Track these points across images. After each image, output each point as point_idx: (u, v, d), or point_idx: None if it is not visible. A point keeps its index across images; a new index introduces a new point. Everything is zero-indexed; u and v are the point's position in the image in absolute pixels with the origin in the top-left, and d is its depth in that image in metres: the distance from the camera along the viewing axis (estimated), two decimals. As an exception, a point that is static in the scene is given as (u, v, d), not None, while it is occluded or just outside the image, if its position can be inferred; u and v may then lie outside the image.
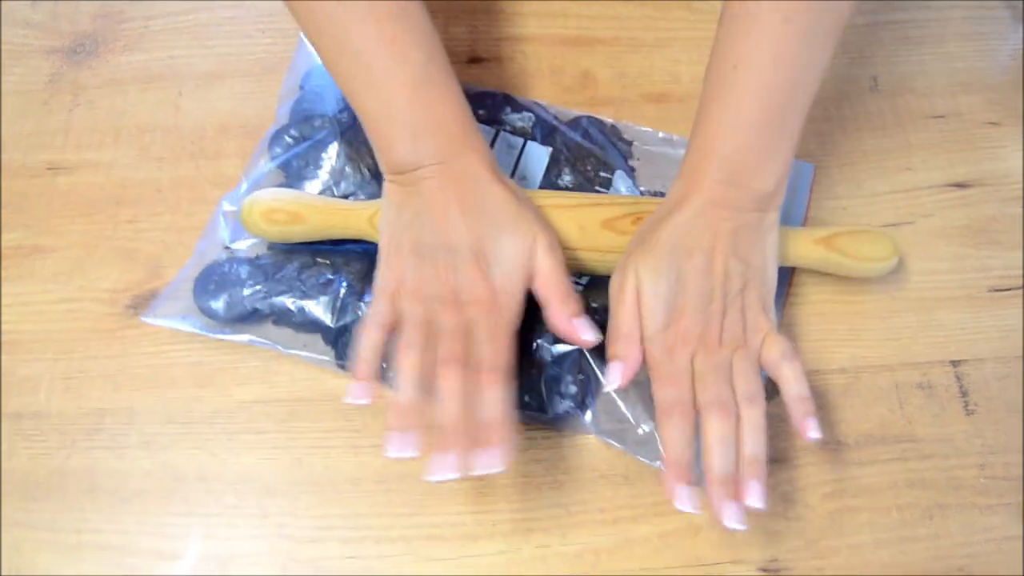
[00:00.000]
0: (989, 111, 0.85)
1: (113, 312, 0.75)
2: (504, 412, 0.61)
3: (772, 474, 0.69)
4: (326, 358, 0.72)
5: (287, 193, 0.74)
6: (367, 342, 0.64)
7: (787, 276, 0.76)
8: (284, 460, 0.70)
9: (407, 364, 0.62)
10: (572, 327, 0.65)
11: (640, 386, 0.70)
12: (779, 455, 0.70)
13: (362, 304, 0.71)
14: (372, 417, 0.71)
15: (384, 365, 0.69)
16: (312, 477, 0.69)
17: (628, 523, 0.68)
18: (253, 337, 0.73)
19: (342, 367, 0.72)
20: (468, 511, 0.68)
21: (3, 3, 0.91)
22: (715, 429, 0.61)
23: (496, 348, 0.63)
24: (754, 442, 0.61)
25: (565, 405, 0.69)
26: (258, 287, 0.73)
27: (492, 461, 0.59)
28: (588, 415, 0.70)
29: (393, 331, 0.65)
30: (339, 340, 0.72)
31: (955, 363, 0.73)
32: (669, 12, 0.91)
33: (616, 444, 0.69)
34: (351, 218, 0.72)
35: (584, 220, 0.71)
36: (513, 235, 0.65)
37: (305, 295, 0.72)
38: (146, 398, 0.72)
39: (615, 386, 0.64)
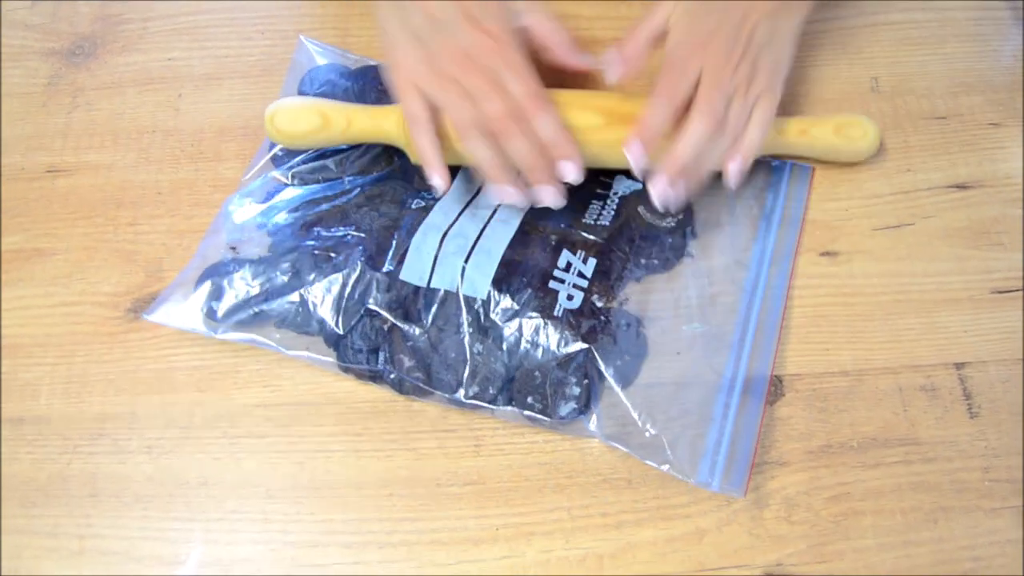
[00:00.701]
0: (990, 112, 0.85)
1: (114, 316, 0.75)
2: (560, 131, 0.70)
3: (776, 477, 0.69)
4: (329, 359, 0.72)
5: (310, 99, 0.77)
6: (423, 138, 0.72)
7: (788, 267, 0.76)
8: (286, 465, 0.70)
9: (478, 146, 0.70)
10: (569, 54, 0.75)
11: (644, 389, 0.70)
12: (783, 458, 0.70)
13: (364, 307, 0.71)
14: (374, 421, 0.71)
15: (382, 367, 0.70)
16: (314, 482, 0.69)
17: (632, 527, 0.67)
18: (255, 337, 0.72)
19: (345, 369, 0.71)
20: (471, 515, 0.68)
21: (1, 4, 0.91)
22: (692, 124, 0.70)
23: (522, 78, 0.70)
24: (753, 132, 0.73)
25: (568, 408, 0.69)
26: (260, 288, 0.72)
27: (572, 169, 0.71)
28: (592, 419, 0.69)
29: (431, 113, 0.72)
30: (341, 342, 0.71)
31: (958, 365, 0.73)
32: (669, 13, 0.90)
33: (621, 447, 0.68)
34: (378, 118, 0.76)
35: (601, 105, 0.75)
36: None
37: (307, 296, 0.72)
38: (148, 403, 0.72)
39: (610, 68, 0.74)
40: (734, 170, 0.73)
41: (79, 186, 0.81)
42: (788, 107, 0.85)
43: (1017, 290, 0.76)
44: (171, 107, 0.85)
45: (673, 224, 0.77)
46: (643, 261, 0.76)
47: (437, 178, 0.72)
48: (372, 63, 0.86)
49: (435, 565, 0.66)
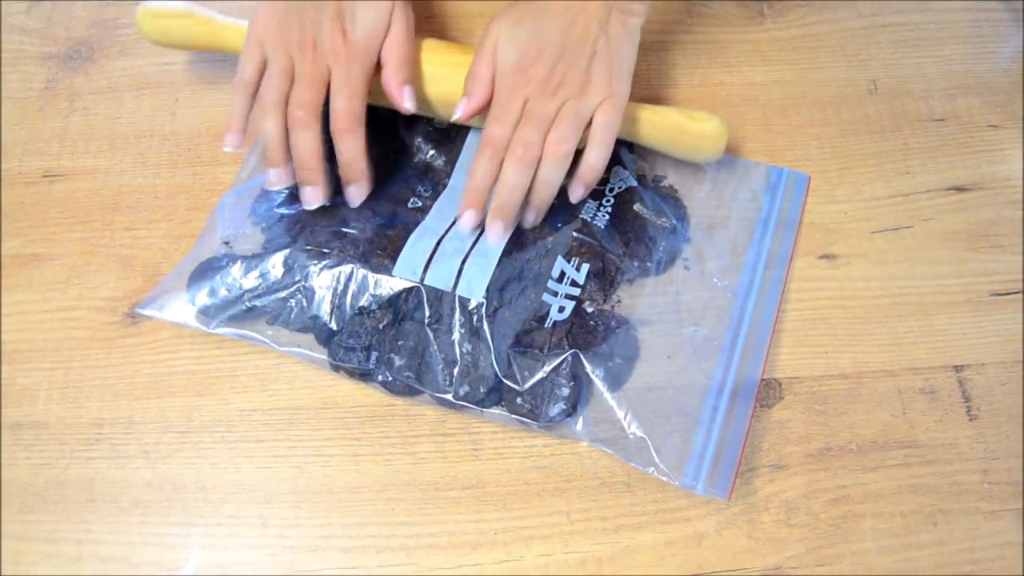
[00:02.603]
0: (988, 114, 0.85)
1: (112, 321, 0.75)
2: (359, 156, 0.72)
3: (775, 481, 0.69)
4: (320, 357, 0.72)
5: (181, 4, 0.81)
6: (237, 96, 0.73)
7: (783, 272, 0.76)
8: (284, 469, 0.69)
9: (267, 118, 0.72)
10: (399, 91, 0.73)
11: (634, 392, 0.70)
12: (782, 461, 0.69)
13: (356, 306, 0.71)
14: (372, 425, 0.71)
15: (373, 366, 0.70)
16: (312, 486, 0.69)
17: (630, 531, 0.67)
18: (247, 333, 0.72)
19: (335, 368, 0.71)
20: (469, 520, 0.68)
21: (-2, 9, 0.91)
22: (511, 164, 0.70)
23: (350, 99, 0.72)
24: (547, 169, 0.71)
25: (557, 409, 0.69)
26: (253, 284, 0.72)
27: (359, 194, 0.74)
28: (579, 421, 0.69)
29: (261, 77, 0.73)
30: (333, 340, 0.71)
31: (957, 368, 0.73)
32: (666, 16, 0.90)
33: (607, 449, 0.68)
34: (229, 31, 0.80)
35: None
36: (374, 1, 0.73)
37: (300, 293, 0.72)
38: (145, 407, 0.71)
39: (456, 117, 0.73)
40: (578, 194, 0.74)
41: (76, 191, 0.81)
42: (787, 109, 0.85)
43: (1016, 292, 0.76)
44: (168, 111, 0.85)
45: (669, 225, 0.77)
46: (636, 263, 0.75)
47: (229, 137, 0.73)
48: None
49: (433, 569, 0.66)
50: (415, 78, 0.76)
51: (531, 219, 0.74)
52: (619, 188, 0.78)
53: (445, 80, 0.76)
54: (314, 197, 0.73)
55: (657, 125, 0.77)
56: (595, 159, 0.72)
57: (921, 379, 0.73)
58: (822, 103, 0.86)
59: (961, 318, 0.75)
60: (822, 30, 0.90)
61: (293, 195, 0.76)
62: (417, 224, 0.74)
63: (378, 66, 0.74)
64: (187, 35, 0.80)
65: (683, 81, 0.87)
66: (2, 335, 0.74)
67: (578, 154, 0.72)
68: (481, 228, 0.73)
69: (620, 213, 0.77)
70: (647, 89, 0.86)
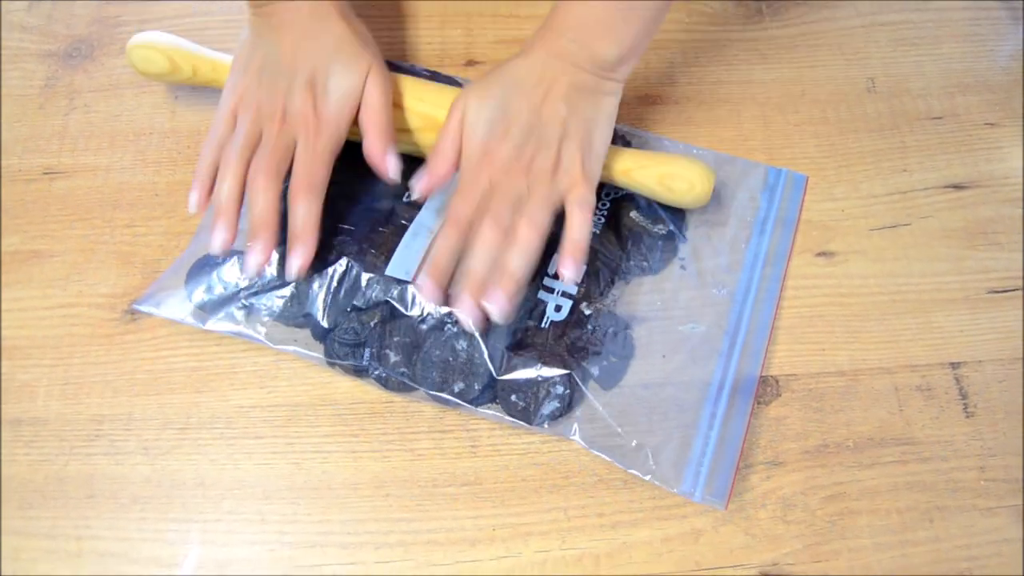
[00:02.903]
0: (987, 112, 0.85)
1: (111, 317, 0.75)
2: (310, 222, 0.69)
3: (772, 478, 0.69)
4: (316, 355, 0.72)
5: (164, 43, 0.80)
6: (204, 156, 0.72)
7: (782, 269, 0.76)
8: (282, 465, 0.70)
9: (226, 176, 0.70)
10: (382, 160, 0.72)
11: (630, 392, 0.71)
12: (779, 458, 0.70)
13: (351, 302, 0.71)
14: (370, 422, 0.71)
15: (368, 362, 0.70)
16: (311, 482, 0.69)
17: (628, 527, 0.67)
18: (243, 330, 0.72)
19: (331, 364, 0.72)
20: (467, 516, 0.68)
21: (-2, 7, 0.91)
22: (480, 237, 0.67)
23: (311, 166, 0.70)
24: (516, 258, 0.67)
25: (552, 406, 0.69)
26: (250, 280, 0.72)
27: (299, 264, 0.69)
28: (575, 427, 0.69)
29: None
30: (328, 336, 0.72)
31: (954, 365, 0.73)
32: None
33: (606, 456, 0.68)
34: (219, 71, 0.80)
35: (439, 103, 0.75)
36: (347, 67, 0.72)
37: (296, 290, 0.72)
38: (145, 404, 0.72)
39: (415, 194, 0.71)
40: (569, 275, 0.68)
41: (76, 188, 0.81)
42: (785, 107, 0.85)
43: (1013, 290, 0.76)
44: (168, 109, 0.85)
45: (665, 232, 0.77)
46: (633, 263, 0.76)
47: (193, 198, 0.71)
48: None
49: (432, 565, 0.66)
50: (397, 122, 0.75)
51: (504, 310, 0.66)
52: (615, 194, 0.78)
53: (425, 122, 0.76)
54: (260, 257, 0.69)
55: (634, 188, 0.76)
56: (579, 236, 0.68)
57: (918, 376, 0.73)
58: (820, 101, 0.86)
59: (959, 315, 0.76)
60: (820, 28, 0.90)
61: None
62: (412, 219, 0.74)
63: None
64: (175, 69, 0.80)
65: (681, 79, 0.87)
66: (2, 331, 0.74)
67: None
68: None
69: (615, 220, 0.77)
70: (647, 88, 0.87)
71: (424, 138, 0.76)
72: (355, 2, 0.87)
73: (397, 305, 0.71)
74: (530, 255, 0.67)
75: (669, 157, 0.75)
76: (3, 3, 0.91)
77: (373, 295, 0.71)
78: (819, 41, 0.90)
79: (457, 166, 0.70)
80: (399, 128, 0.75)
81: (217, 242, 0.70)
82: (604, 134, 0.72)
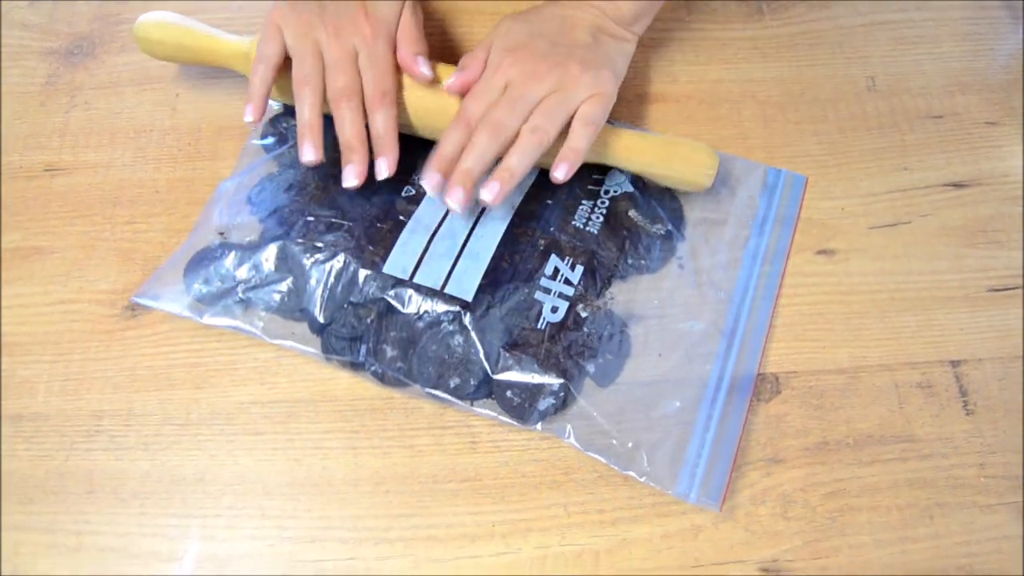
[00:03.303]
0: (986, 111, 0.85)
1: (111, 314, 0.75)
2: (391, 127, 0.73)
3: (772, 474, 0.69)
4: (312, 349, 0.72)
5: (175, 23, 0.81)
6: (258, 77, 0.74)
7: (780, 268, 0.77)
8: (282, 461, 0.70)
9: (306, 101, 0.73)
10: (413, 62, 0.75)
11: (625, 390, 0.71)
12: (779, 455, 0.70)
13: (349, 297, 0.72)
14: (371, 418, 0.71)
15: (364, 358, 0.70)
16: (311, 478, 0.69)
17: (627, 523, 0.67)
18: (240, 324, 0.73)
19: (329, 359, 0.72)
20: (467, 512, 0.68)
21: (0, 4, 0.91)
22: (478, 138, 0.70)
23: (379, 74, 0.74)
24: (515, 156, 0.70)
25: (547, 403, 0.69)
26: (247, 274, 0.72)
27: (387, 166, 0.72)
28: (568, 429, 0.69)
29: (285, 64, 0.76)
30: (325, 331, 0.72)
31: (954, 363, 0.73)
32: (666, 12, 0.90)
33: (602, 459, 0.68)
34: (230, 48, 0.80)
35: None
36: None
37: (293, 284, 0.72)
38: (145, 399, 0.72)
39: (447, 84, 0.75)
40: (559, 175, 0.70)
41: (77, 185, 0.81)
42: (785, 106, 0.85)
43: (1013, 288, 0.76)
44: (168, 106, 0.85)
45: (664, 231, 0.77)
46: (631, 262, 0.76)
47: (250, 109, 0.73)
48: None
49: (432, 561, 0.66)
50: (408, 102, 0.77)
51: (490, 201, 0.69)
52: (615, 192, 0.78)
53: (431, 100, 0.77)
54: (356, 175, 0.72)
55: (646, 151, 0.76)
56: (577, 143, 0.71)
57: (918, 374, 0.73)
58: (820, 100, 0.86)
59: (958, 313, 0.76)
60: (821, 27, 0.90)
61: (291, 184, 0.77)
62: (410, 215, 0.74)
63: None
64: (183, 49, 0.80)
65: (682, 78, 0.87)
66: (3, 327, 0.75)
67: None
68: (473, 224, 0.74)
69: (614, 219, 0.77)
70: (648, 87, 0.87)
71: (432, 120, 0.77)
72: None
73: (394, 303, 0.71)
74: (530, 156, 0.70)
75: (671, 140, 0.77)
76: (4, 1, 0.91)
77: (370, 292, 0.71)
78: (819, 40, 0.90)
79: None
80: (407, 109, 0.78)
81: (308, 158, 0.72)
82: (622, 65, 0.79)
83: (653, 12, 0.81)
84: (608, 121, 0.76)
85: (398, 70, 0.76)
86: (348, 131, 0.72)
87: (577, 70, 0.72)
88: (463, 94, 0.75)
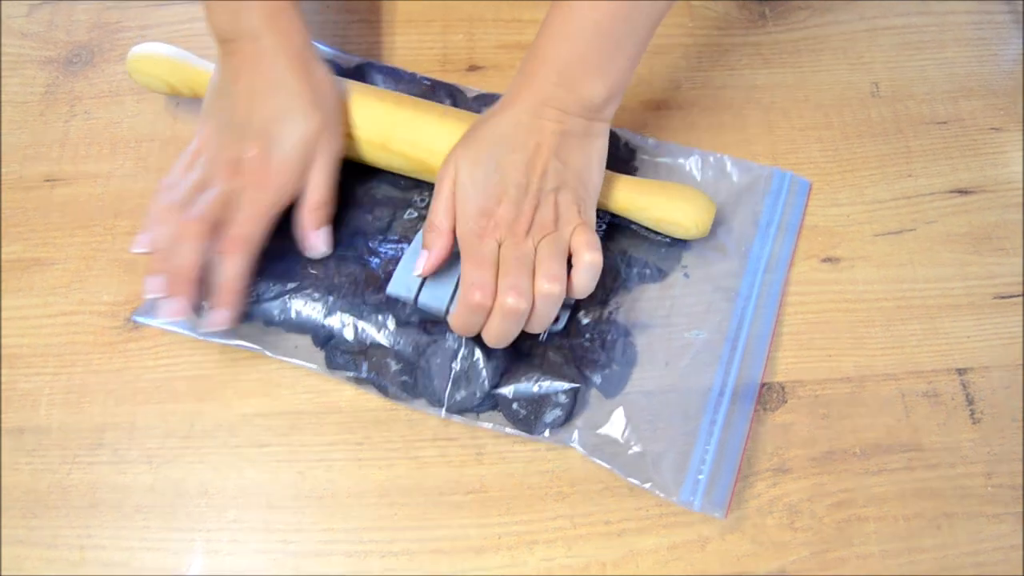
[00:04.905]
0: (991, 116, 0.85)
1: (113, 325, 0.74)
2: (235, 280, 0.68)
3: (778, 484, 0.69)
4: (314, 366, 0.72)
5: (165, 56, 0.80)
6: (156, 202, 0.69)
7: (783, 275, 0.77)
8: (287, 474, 0.69)
9: (159, 215, 0.68)
10: (308, 236, 0.72)
11: (631, 399, 0.70)
12: (785, 465, 0.69)
13: (352, 311, 0.71)
14: (375, 430, 0.71)
15: (366, 374, 0.70)
16: (315, 491, 0.69)
17: (634, 535, 0.67)
18: (241, 342, 0.72)
19: (332, 373, 0.71)
20: (472, 524, 0.68)
21: (-2, 13, 0.91)
22: (505, 306, 0.64)
23: (248, 219, 0.69)
24: (544, 308, 0.65)
25: (554, 415, 0.69)
26: (250, 288, 0.72)
27: (219, 319, 0.68)
28: (576, 436, 0.69)
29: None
30: (329, 345, 0.71)
31: (961, 371, 0.73)
32: (668, 18, 0.90)
33: (606, 464, 0.68)
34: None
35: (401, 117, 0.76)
36: (299, 124, 0.70)
37: (296, 298, 0.72)
38: (147, 412, 0.71)
39: (418, 273, 0.67)
40: (558, 326, 0.71)
41: (77, 195, 0.81)
42: (789, 112, 0.85)
43: (1019, 295, 0.76)
44: (169, 116, 0.85)
45: (668, 239, 0.77)
46: (635, 271, 0.75)
47: (139, 236, 0.68)
48: (368, 61, 0.85)
49: (437, 573, 0.66)
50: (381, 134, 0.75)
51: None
52: None
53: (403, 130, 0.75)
54: (174, 310, 0.66)
55: (637, 212, 0.76)
56: (583, 285, 0.67)
57: (924, 382, 0.73)
58: (824, 106, 0.86)
59: (964, 321, 0.75)
60: (824, 32, 0.90)
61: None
62: (410, 239, 0.75)
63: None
64: (175, 82, 0.80)
65: (685, 84, 0.87)
66: (3, 340, 0.74)
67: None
68: None
69: (617, 231, 0.77)
70: (651, 93, 0.86)
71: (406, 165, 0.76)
72: (358, 3, 0.87)
73: (397, 317, 0.71)
74: (554, 307, 0.66)
75: (666, 196, 0.75)
76: (3, 9, 0.91)
77: (375, 302, 0.71)
78: (823, 45, 0.89)
79: (453, 240, 0.68)
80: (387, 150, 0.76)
81: (166, 309, 0.66)
82: (596, 179, 0.71)
83: (625, 88, 0.71)
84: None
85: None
86: (177, 259, 0.66)
87: (559, 210, 0.67)
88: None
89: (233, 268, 0.67)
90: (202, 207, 0.67)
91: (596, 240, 0.67)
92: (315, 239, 0.72)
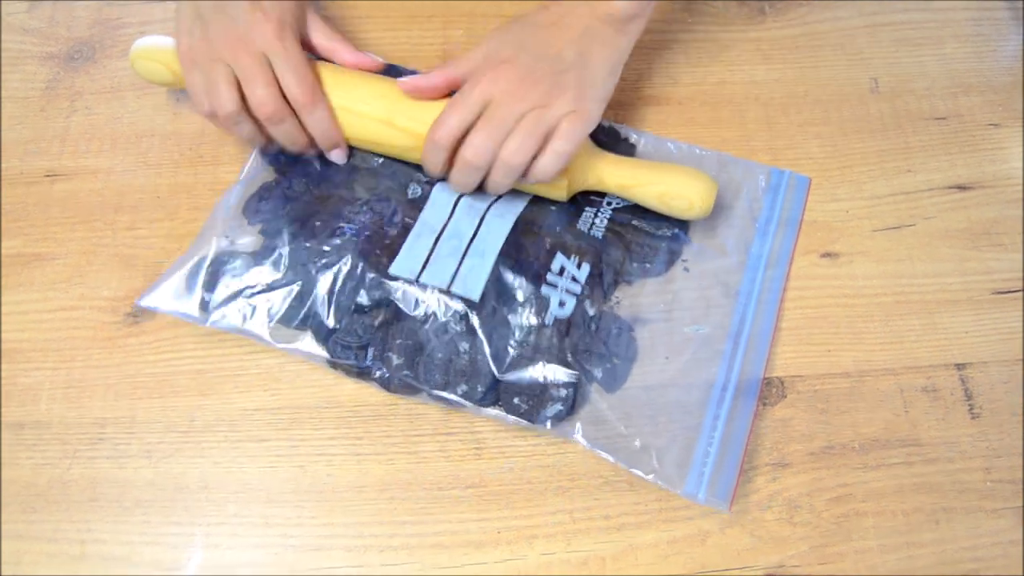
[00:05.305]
0: (990, 112, 0.85)
1: (113, 320, 0.74)
2: (327, 124, 0.74)
3: (777, 479, 0.69)
4: (318, 357, 0.72)
5: (169, 42, 0.78)
6: (243, 134, 0.75)
7: (784, 271, 0.77)
8: (286, 468, 0.69)
9: (243, 134, 0.74)
10: (358, 59, 0.76)
11: (633, 393, 0.71)
12: (785, 460, 0.70)
13: (355, 303, 0.71)
14: (375, 424, 0.71)
15: (370, 363, 0.70)
16: (315, 485, 0.69)
17: (633, 529, 0.67)
18: (246, 328, 0.72)
19: (333, 365, 0.71)
20: (472, 519, 0.68)
21: (0, 8, 0.91)
22: (458, 166, 0.71)
23: (296, 70, 0.72)
24: (497, 175, 0.70)
25: (555, 409, 0.69)
26: (253, 281, 0.72)
27: (339, 155, 0.77)
28: (577, 427, 0.69)
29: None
30: (331, 337, 0.71)
31: (959, 366, 0.73)
32: (668, 14, 0.90)
33: (610, 457, 0.68)
34: None
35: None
36: None
37: (298, 290, 0.72)
38: (147, 407, 0.71)
39: (401, 81, 0.73)
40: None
41: (78, 190, 0.81)
42: (788, 108, 0.85)
43: (1017, 291, 0.76)
44: (169, 111, 0.85)
45: (669, 234, 0.77)
46: (636, 265, 0.75)
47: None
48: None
49: (436, 568, 0.66)
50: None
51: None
52: (618, 203, 0.78)
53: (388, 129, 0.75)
54: (340, 157, 0.77)
55: (635, 199, 0.76)
56: (545, 165, 0.70)
57: (923, 377, 0.73)
58: (823, 102, 0.86)
59: (963, 316, 0.75)
60: (823, 28, 0.90)
61: (286, 195, 0.77)
62: (415, 218, 0.74)
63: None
64: (179, 81, 0.79)
65: (684, 80, 0.87)
66: (4, 335, 0.74)
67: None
68: (478, 223, 0.74)
69: (618, 225, 0.77)
70: (650, 89, 0.86)
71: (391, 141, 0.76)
72: (357, 3, 0.87)
73: (401, 305, 0.70)
74: (509, 178, 0.70)
75: (668, 172, 0.75)
76: (4, 5, 0.91)
77: (377, 295, 0.71)
78: (822, 41, 0.89)
79: (451, 81, 0.72)
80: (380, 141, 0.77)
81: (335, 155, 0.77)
82: (609, 82, 0.74)
83: (648, 11, 0.76)
84: (603, 146, 0.77)
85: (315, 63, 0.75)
86: (291, 137, 0.74)
87: (560, 87, 0.70)
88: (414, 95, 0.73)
89: (319, 117, 0.73)
90: (255, 91, 0.71)
91: (578, 133, 0.70)
92: (362, 59, 0.77)
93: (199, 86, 0.72)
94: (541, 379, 0.69)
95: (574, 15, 0.73)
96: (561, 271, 0.73)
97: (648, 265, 0.76)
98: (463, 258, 0.72)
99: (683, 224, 0.78)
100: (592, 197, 0.78)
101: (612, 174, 0.75)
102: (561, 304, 0.71)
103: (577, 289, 0.72)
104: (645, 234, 0.77)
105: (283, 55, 0.71)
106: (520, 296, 0.71)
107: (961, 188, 0.81)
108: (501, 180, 0.70)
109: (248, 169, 0.79)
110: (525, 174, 0.70)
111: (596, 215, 0.77)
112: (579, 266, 0.73)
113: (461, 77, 0.72)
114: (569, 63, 0.71)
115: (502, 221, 0.75)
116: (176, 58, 0.75)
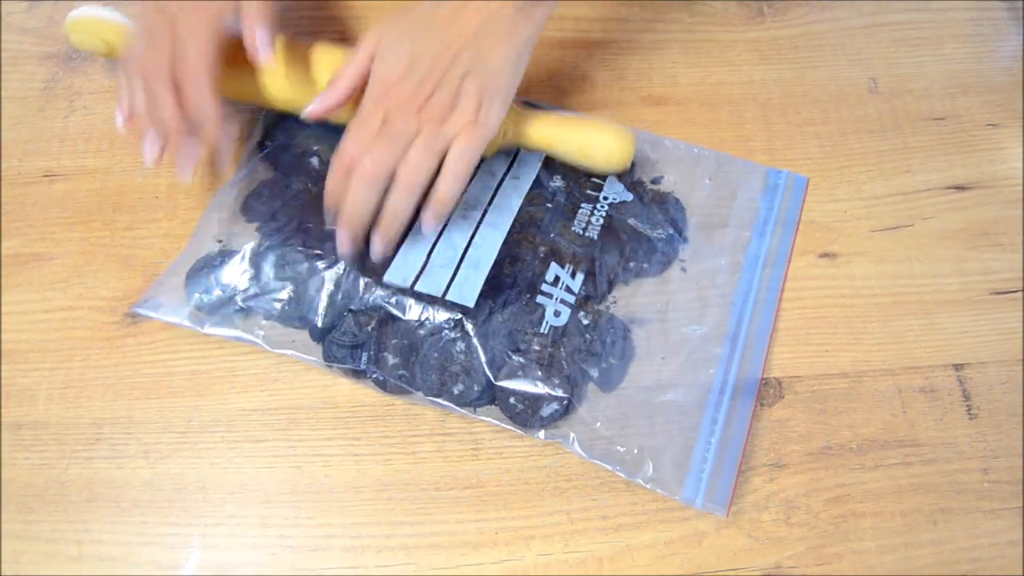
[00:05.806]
0: (988, 113, 0.85)
1: (112, 320, 0.75)
2: (211, 102, 0.68)
3: (775, 480, 0.69)
4: (313, 358, 0.72)
5: (102, 19, 0.80)
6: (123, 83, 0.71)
7: (782, 271, 0.77)
8: (284, 469, 0.69)
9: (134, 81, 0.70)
10: (256, 41, 0.69)
11: (629, 395, 0.71)
12: (782, 460, 0.69)
13: (349, 305, 0.71)
14: (372, 425, 0.71)
15: (365, 365, 0.70)
16: (312, 486, 0.69)
17: (631, 530, 0.67)
18: (241, 334, 0.72)
19: (330, 366, 0.71)
20: (469, 519, 0.68)
21: (-2, 9, 0.91)
22: (356, 179, 0.67)
23: (199, 39, 0.68)
24: (394, 198, 0.68)
25: (551, 409, 0.69)
26: (247, 282, 0.72)
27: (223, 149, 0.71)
28: (575, 440, 0.69)
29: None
30: (326, 339, 0.71)
31: (957, 367, 0.73)
32: (667, 14, 0.90)
33: (607, 466, 0.68)
34: None
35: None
36: None
37: (293, 292, 0.72)
38: (145, 407, 0.71)
39: (307, 112, 0.70)
40: (427, 223, 0.70)
41: (76, 190, 0.81)
42: (787, 108, 0.85)
43: (1016, 291, 0.76)
44: (168, 111, 0.85)
45: (665, 234, 0.77)
46: (632, 265, 0.75)
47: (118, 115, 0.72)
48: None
49: (434, 569, 0.66)
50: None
51: (378, 248, 0.70)
52: (614, 199, 0.78)
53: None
54: (152, 155, 0.70)
55: (556, 154, 0.78)
56: (444, 189, 0.69)
57: (921, 378, 0.73)
58: (822, 102, 0.86)
59: (961, 317, 0.75)
60: (822, 29, 0.90)
61: (285, 194, 0.77)
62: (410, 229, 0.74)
63: None
64: (113, 40, 0.80)
65: (683, 80, 0.87)
66: (2, 335, 0.74)
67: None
68: (472, 232, 0.74)
69: (614, 226, 0.77)
70: (650, 89, 0.86)
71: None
72: (354, 3, 0.87)
73: (395, 311, 0.70)
74: (409, 198, 0.68)
75: (589, 125, 0.77)
76: (3, 5, 0.91)
77: (371, 300, 0.71)
78: (821, 41, 0.89)
79: (351, 97, 0.70)
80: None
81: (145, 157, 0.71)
82: (509, 79, 0.71)
83: None
84: (533, 104, 0.79)
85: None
86: (163, 112, 0.69)
87: (458, 98, 0.68)
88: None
89: (198, 93, 0.68)
90: (151, 54, 0.69)
91: (475, 147, 0.68)
92: (263, 48, 0.70)
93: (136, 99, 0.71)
94: (537, 382, 0.69)
95: (471, 8, 0.69)
96: (556, 281, 0.73)
97: (645, 265, 0.76)
98: (458, 268, 0.72)
99: (680, 223, 0.78)
100: (588, 192, 0.78)
101: (535, 129, 0.76)
102: (556, 314, 0.71)
103: (572, 299, 0.72)
104: (641, 232, 0.77)
105: (191, 25, 0.69)
106: (515, 304, 0.71)
107: (960, 188, 0.81)
108: (401, 200, 0.68)
109: (246, 168, 0.79)
110: (426, 196, 0.69)
111: (592, 213, 0.77)
112: (573, 275, 0.73)
113: (361, 75, 0.70)
114: (466, 67, 0.68)
115: (496, 231, 0.75)
116: (109, 29, 0.77)
